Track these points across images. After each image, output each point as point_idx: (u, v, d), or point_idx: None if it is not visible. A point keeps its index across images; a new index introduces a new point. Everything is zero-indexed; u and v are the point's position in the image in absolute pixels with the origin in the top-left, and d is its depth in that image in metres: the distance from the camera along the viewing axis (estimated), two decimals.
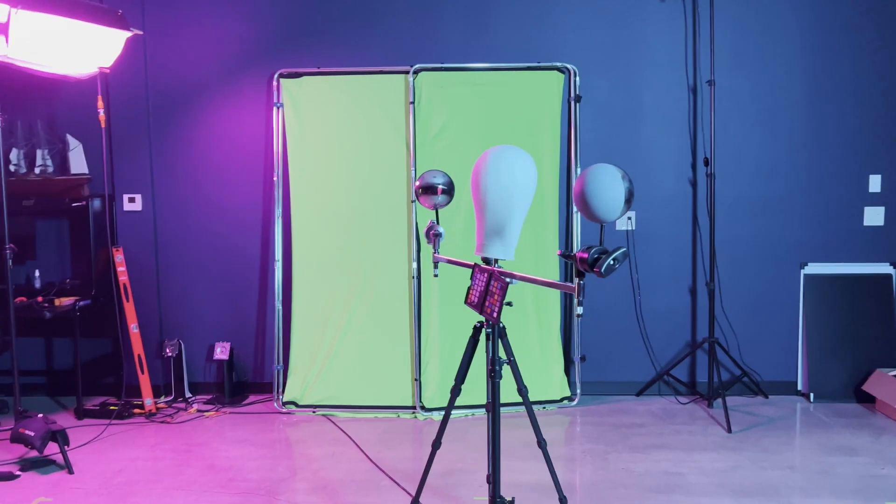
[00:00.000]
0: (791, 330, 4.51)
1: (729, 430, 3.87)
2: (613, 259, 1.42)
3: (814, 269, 4.45)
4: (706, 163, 4.28)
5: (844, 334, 4.40)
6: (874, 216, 4.42)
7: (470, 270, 2.07)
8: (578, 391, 4.42)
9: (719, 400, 4.19)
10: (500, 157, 1.76)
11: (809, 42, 4.37)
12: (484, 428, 4.01)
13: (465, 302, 1.98)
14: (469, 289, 1.98)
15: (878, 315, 4.39)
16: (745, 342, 4.51)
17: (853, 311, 4.40)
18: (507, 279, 1.78)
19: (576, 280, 1.50)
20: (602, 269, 1.41)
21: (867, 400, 4.31)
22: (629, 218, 4.48)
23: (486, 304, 1.82)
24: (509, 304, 1.84)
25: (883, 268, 4.42)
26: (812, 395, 4.36)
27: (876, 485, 3.17)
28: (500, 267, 1.88)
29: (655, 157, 4.47)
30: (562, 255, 1.60)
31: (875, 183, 4.41)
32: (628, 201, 1.47)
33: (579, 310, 1.53)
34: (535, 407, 4.29)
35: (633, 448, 3.68)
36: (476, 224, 1.86)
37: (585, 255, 1.45)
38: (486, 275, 1.87)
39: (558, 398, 4.37)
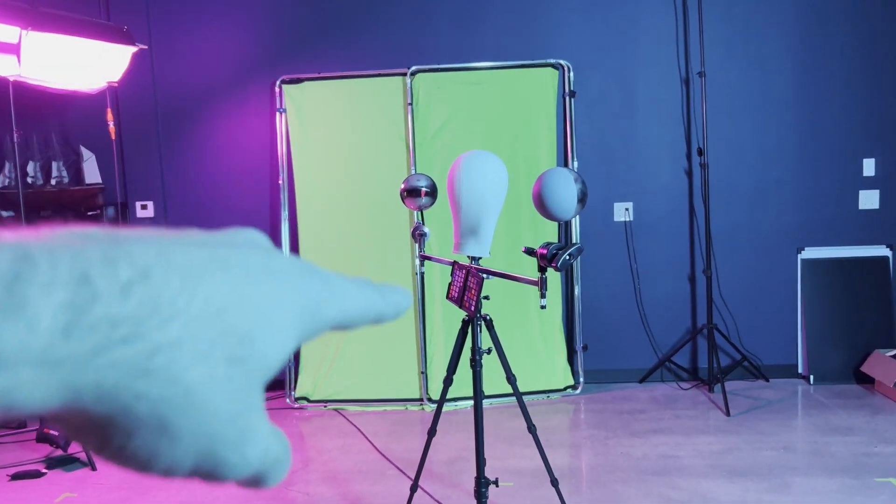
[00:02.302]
0: (790, 314, 4.58)
1: (728, 414, 3.96)
2: (568, 255, 1.53)
3: (811, 253, 4.51)
4: (700, 153, 4.35)
5: (843, 317, 4.46)
6: (869, 199, 4.47)
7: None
8: (582, 379, 4.53)
9: (720, 385, 4.27)
10: (471, 161, 1.88)
11: (799, 28, 4.42)
12: (489, 418, 4.13)
13: (447, 297, 2.11)
14: (450, 285, 2.11)
15: (876, 297, 4.44)
16: (744, 327, 4.58)
17: (851, 294, 4.46)
18: (483, 275, 1.91)
19: (538, 275, 1.62)
20: (558, 265, 1.53)
21: (867, 381, 4.37)
22: (626, 209, 4.57)
23: (465, 298, 1.95)
24: (486, 297, 1.96)
25: (879, 250, 4.47)
26: (812, 377, 4.43)
27: (868, 462, 3.25)
28: (477, 264, 2.00)
29: (651, 149, 4.55)
30: (525, 252, 1.72)
31: (869, 167, 4.45)
32: (581, 201, 1.58)
33: (543, 301, 1.65)
34: (539, 396, 4.41)
35: (634, 433, 3.78)
36: (453, 225, 1.99)
37: (545, 252, 1.57)
38: (464, 271, 1.99)
39: (562, 387, 4.48)
